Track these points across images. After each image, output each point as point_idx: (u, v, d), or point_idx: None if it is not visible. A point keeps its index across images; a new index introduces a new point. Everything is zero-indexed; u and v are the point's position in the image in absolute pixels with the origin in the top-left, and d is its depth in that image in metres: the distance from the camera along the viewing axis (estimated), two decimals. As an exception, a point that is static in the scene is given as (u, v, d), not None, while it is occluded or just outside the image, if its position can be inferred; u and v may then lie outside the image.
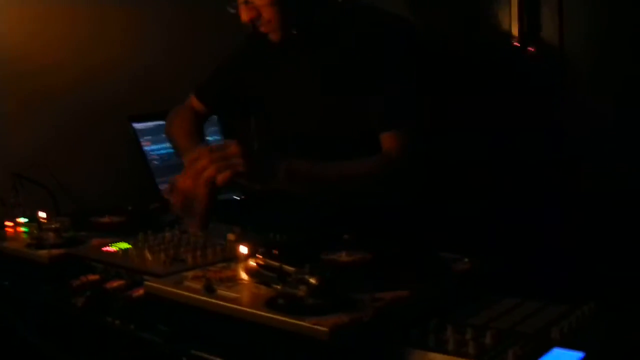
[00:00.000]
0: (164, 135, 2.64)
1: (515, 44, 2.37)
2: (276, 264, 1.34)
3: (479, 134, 2.50)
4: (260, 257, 1.41)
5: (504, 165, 2.46)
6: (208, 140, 2.63)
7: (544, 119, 2.40)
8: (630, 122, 2.20)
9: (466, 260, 1.56)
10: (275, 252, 1.46)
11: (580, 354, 1.14)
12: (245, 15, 2.01)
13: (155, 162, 2.64)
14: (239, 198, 2.57)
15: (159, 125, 2.67)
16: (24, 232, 1.94)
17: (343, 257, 1.50)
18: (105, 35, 2.83)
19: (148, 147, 2.66)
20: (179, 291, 1.35)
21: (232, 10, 2.04)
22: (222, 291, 1.32)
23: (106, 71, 2.80)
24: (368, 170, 1.93)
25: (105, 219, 2.04)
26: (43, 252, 1.73)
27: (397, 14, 2.20)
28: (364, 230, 1.70)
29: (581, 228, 2.28)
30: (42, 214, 1.96)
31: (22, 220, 2.05)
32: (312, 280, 1.21)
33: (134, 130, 2.68)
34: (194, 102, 2.35)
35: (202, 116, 2.35)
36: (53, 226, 1.83)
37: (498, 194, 2.44)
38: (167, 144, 2.63)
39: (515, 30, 2.37)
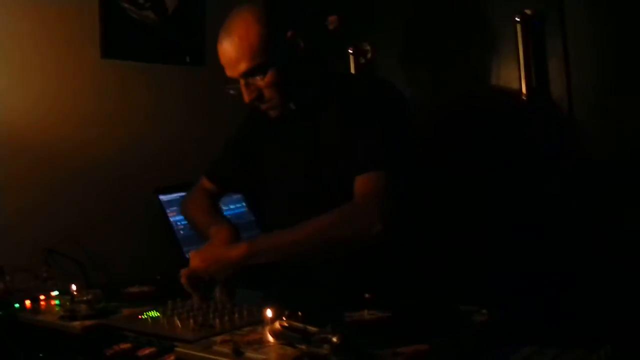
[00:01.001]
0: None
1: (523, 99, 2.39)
2: (300, 325, 1.39)
3: (486, 186, 2.53)
4: (285, 319, 1.46)
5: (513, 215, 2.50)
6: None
7: (549, 172, 2.43)
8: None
9: (484, 311, 1.60)
10: (300, 314, 1.51)
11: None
12: (247, 96, 2.05)
13: (182, 232, 2.70)
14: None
15: (184, 196, 2.74)
16: (57, 304, 2.00)
17: (364, 316, 1.54)
18: (129, 112, 2.92)
19: (174, 217, 2.72)
20: (208, 355, 1.41)
21: (232, 92, 2.09)
22: (250, 354, 1.37)
23: (131, 147, 2.89)
24: (331, 222, 1.91)
25: (135, 289, 2.10)
26: (76, 324, 1.79)
27: (383, 79, 2.25)
28: (382, 286, 1.75)
29: (592, 273, 2.30)
30: (73, 287, 2.02)
31: (54, 293, 2.12)
32: (335, 339, 1.26)
33: (160, 202, 2.74)
34: (206, 183, 2.39)
35: (216, 195, 2.39)
36: (85, 298, 1.89)
37: (510, 244, 2.46)
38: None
39: (523, 87, 2.39)
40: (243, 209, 2.89)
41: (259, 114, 2.17)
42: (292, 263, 2.00)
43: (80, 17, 2.79)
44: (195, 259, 1.93)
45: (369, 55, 2.87)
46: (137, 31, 2.96)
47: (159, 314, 1.79)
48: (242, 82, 2.04)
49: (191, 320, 1.68)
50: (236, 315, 1.70)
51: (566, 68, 2.36)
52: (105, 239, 2.75)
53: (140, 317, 1.79)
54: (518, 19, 2.39)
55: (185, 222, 2.71)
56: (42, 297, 2.06)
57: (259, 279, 1.96)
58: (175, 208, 2.74)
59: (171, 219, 2.70)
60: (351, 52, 2.90)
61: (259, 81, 2.03)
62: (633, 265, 2.21)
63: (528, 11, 2.40)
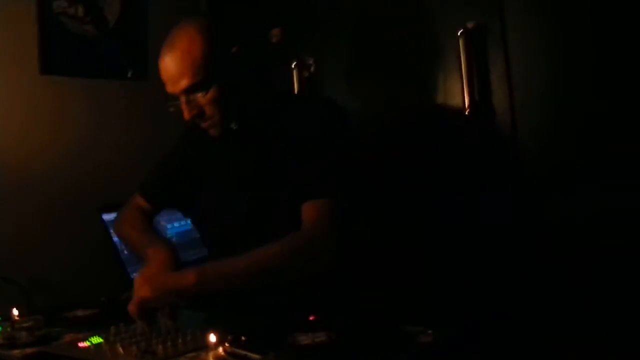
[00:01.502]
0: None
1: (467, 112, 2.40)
2: (242, 352, 1.38)
3: (431, 203, 2.54)
4: (228, 345, 1.44)
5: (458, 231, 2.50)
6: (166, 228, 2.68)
7: (493, 186, 2.44)
8: (583, 186, 2.24)
9: (429, 332, 1.60)
10: (243, 339, 1.49)
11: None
12: (187, 113, 2.02)
13: (126, 252, 2.66)
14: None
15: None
16: (-4, 332, 1.96)
17: (307, 339, 1.53)
18: (68, 128, 2.87)
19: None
20: (149, 385, 1.39)
21: (172, 109, 2.06)
22: (191, 383, 1.35)
23: (70, 165, 2.84)
24: (281, 250, 1.90)
25: (78, 313, 2.06)
26: (16, 352, 1.75)
27: (328, 99, 2.27)
28: (328, 307, 1.74)
29: (535, 290, 2.31)
30: (15, 312, 1.98)
31: (-6, 319, 2.07)
32: (276, 368, 1.25)
33: (103, 220, 2.69)
34: (139, 200, 2.35)
35: (150, 213, 2.34)
36: (25, 325, 1.85)
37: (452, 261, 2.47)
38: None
39: (466, 100, 2.40)
40: (188, 227, 2.85)
41: (196, 131, 2.15)
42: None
43: (17, 33, 2.73)
44: (144, 288, 1.85)
45: (312, 69, 2.86)
46: (77, 46, 2.90)
47: (101, 340, 1.75)
48: (182, 98, 2.01)
49: (134, 347, 1.66)
50: (180, 341, 1.67)
51: (508, 82, 2.37)
52: (46, 260, 2.69)
53: (82, 343, 1.76)
54: (460, 33, 2.40)
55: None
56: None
57: (202, 300, 1.93)
58: (119, 227, 2.70)
59: (114, 239, 2.66)
60: (294, 65, 2.89)
61: (200, 98, 2.00)
62: (575, 282, 2.23)
63: (470, 24, 2.41)
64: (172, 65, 1.99)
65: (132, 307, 1.84)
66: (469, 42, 2.40)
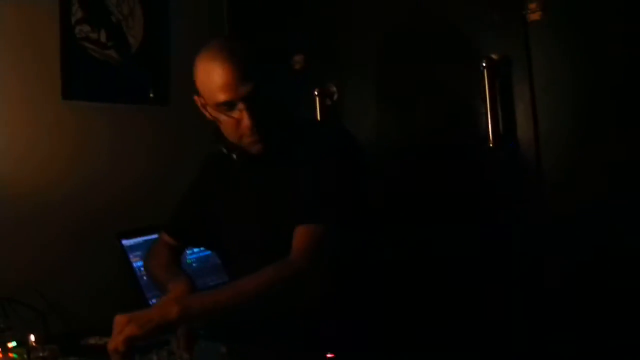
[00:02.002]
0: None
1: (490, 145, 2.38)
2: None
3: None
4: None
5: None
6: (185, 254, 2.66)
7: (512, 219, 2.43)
8: (609, 220, 2.22)
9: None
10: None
11: None
12: (249, 119, 1.97)
13: (145, 278, 2.64)
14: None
15: (148, 240, 2.69)
16: (14, 358, 1.94)
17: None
18: (89, 153, 2.86)
19: (137, 262, 2.66)
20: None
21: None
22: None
23: (91, 190, 2.83)
24: (266, 280, 1.89)
25: (95, 340, 2.04)
26: (31, 383, 1.74)
27: (342, 126, 2.28)
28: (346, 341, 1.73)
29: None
30: (32, 338, 1.97)
31: (12, 344, 2.06)
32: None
33: (123, 246, 2.68)
34: (166, 237, 2.35)
35: (177, 249, 2.34)
36: (41, 354, 1.84)
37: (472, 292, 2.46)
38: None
39: (490, 132, 2.38)
40: (207, 252, 2.84)
41: (212, 165, 2.19)
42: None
43: (39, 58, 2.73)
44: (130, 326, 1.80)
45: (335, 97, 2.85)
46: (99, 71, 2.91)
47: (118, 371, 1.74)
48: (241, 106, 1.97)
49: (151, 379, 1.64)
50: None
51: (534, 114, 2.35)
52: (65, 286, 2.67)
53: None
54: (484, 64, 2.38)
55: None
56: (-2, 350, 2.00)
57: (220, 331, 1.91)
58: (138, 253, 2.68)
59: (134, 264, 2.65)
60: (317, 93, 2.88)
61: (253, 106, 1.97)
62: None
63: (494, 56, 2.39)
64: (229, 72, 1.95)
65: (116, 346, 1.78)
66: (493, 73, 2.38)
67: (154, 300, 2.56)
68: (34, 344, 1.94)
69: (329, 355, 1.66)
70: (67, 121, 2.80)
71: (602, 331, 2.20)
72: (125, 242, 2.68)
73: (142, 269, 2.65)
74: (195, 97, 2.10)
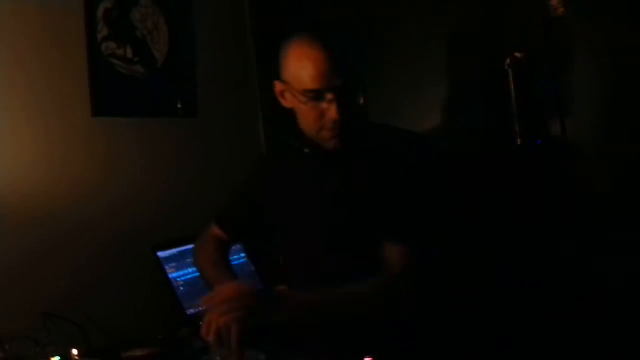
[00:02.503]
0: (188, 261, 2.71)
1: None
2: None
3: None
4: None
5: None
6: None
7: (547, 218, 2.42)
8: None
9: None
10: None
11: None
12: (337, 111, 1.95)
13: (182, 288, 2.68)
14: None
15: (182, 251, 2.73)
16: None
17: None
18: (121, 168, 2.90)
19: (173, 273, 2.70)
20: None
21: (311, 102, 2.01)
22: None
23: (124, 204, 2.87)
24: (371, 291, 1.92)
25: (136, 352, 2.08)
26: (77, 397, 1.77)
27: (414, 131, 2.28)
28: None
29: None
30: (74, 352, 2.00)
31: (55, 359, 2.10)
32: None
33: (158, 258, 2.72)
34: (216, 230, 2.37)
35: (226, 243, 2.37)
36: (85, 368, 1.88)
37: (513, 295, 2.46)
38: (192, 269, 2.68)
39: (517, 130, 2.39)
40: (243, 260, 2.87)
41: (269, 162, 2.25)
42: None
43: (68, 77, 2.77)
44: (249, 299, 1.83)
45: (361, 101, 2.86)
46: (127, 86, 2.95)
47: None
48: (330, 96, 1.95)
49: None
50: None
51: (559, 111, 2.36)
52: (103, 299, 2.71)
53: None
54: (508, 62, 2.39)
55: (185, 277, 2.70)
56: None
57: (260, 340, 1.93)
58: (174, 264, 2.72)
59: (170, 276, 2.68)
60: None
61: (342, 100, 1.96)
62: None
63: (518, 54, 2.40)
64: (326, 60, 1.93)
65: (237, 326, 1.77)
66: (518, 71, 2.39)
67: (191, 310, 2.59)
68: (76, 358, 1.97)
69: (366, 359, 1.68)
70: (97, 138, 2.84)
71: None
72: (161, 254, 2.72)
73: (178, 279, 2.69)
74: (276, 82, 2.07)
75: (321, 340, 2.03)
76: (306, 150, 2.12)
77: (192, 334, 2.20)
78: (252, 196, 2.32)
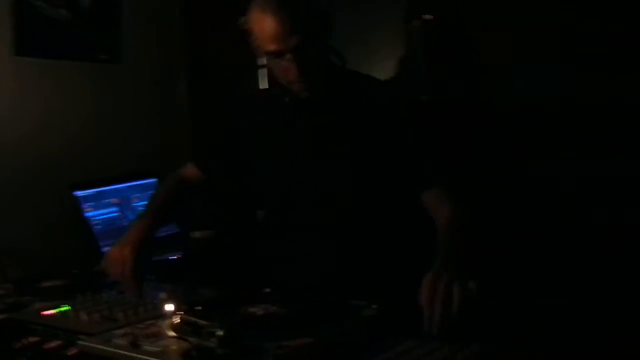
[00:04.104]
0: (106, 201, 2.80)
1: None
2: (192, 319, 1.49)
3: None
4: (181, 313, 1.56)
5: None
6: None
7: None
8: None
9: (374, 306, 1.71)
10: (198, 308, 1.61)
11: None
12: (293, 73, 1.98)
13: (98, 227, 2.77)
14: (175, 257, 2.72)
15: (101, 191, 2.83)
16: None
17: (257, 310, 1.66)
18: (38, 109, 2.96)
19: (91, 212, 2.79)
20: (107, 348, 1.51)
21: (266, 67, 2.09)
22: (146, 346, 1.47)
23: (35, 140, 2.92)
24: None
25: (49, 283, 2.15)
26: (-16, 319, 1.85)
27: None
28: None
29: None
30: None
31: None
32: (220, 332, 1.37)
33: (76, 197, 2.80)
34: (190, 170, 2.32)
35: (193, 186, 2.32)
36: (-4, 294, 1.96)
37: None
38: (110, 209, 2.77)
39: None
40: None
41: (247, 105, 2.21)
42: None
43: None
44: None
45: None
46: (51, 29, 2.97)
47: (69, 308, 1.86)
48: (288, 56, 1.97)
49: (97, 314, 1.77)
50: (141, 309, 1.80)
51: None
52: (18, 233, 2.78)
53: (49, 311, 1.86)
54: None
55: (102, 217, 2.79)
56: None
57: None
58: (92, 203, 2.81)
59: (87, 214, 2.77)
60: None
61: (302, 57, 1.97)
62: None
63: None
64: (278, 23, 1.94)
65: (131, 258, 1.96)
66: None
67: (106, 249, 2.66)
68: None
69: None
70: (16, 76, 2.88)
71: None
72: (79, 193, 2.80)
73: (94, 218, 2.77)
74: (250, 40, 2.07)
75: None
76: (287, 99, 2.14)
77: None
78: (234, 138, 2.28)
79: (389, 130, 2.08)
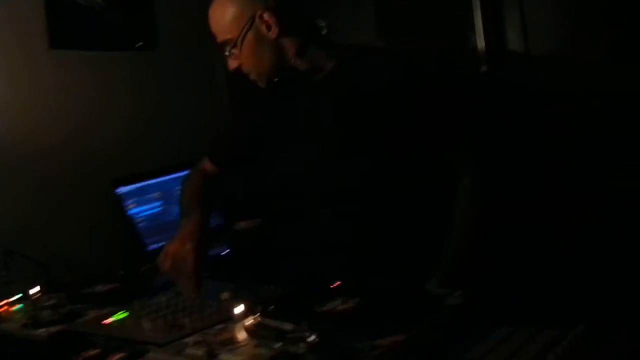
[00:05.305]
0: (148, 197, 2.68)
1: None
2: (274, 323, 1.37)
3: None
4: (259, 316, 1.44)
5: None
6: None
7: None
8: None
9: (457, 294, 1.59)
10: (271, 308, 1.49)
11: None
12: (229, 65, 2.04)
13: (142, 224, 2.66)
14: (224, 252, 2.59)
15: (143, 186, 2.70)
16: (18, 310, 1.94)
17: (338, 306, 1.51)
18: (74, 102, 2.84)
19: (133, 209, 2.67)
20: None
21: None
22: (224, 356, 1.34)
23: (81, 138, 2.81)
24: None
25: (100, 288, 2.05)
26: (41, 331, 1.73)
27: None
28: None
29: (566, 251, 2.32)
30: (37, 289, 1.97)
31: (14, 298, 2.05)
32: (312, 338, 1.24)
33: (118, 194, 2.68)
34: (207, 165, 2.30)
35: (212, 178, 2.29)
36: (48, 303, 1.84)
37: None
38: (153, 204, 2.65)
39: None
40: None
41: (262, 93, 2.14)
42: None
43: (26, 9, 2.69)
44: None
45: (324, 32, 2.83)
46: (85, 18, 2.87)
47: (127, 314, 1.75)
48: (225, 51, 2.03)
49: (160, 321, 1.64)
50: (206, 312, 1.67)
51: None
52: (64, 236, 2.67)
53: (107, 320, 1.74)
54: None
55: (145, 213, 2.68)
56: (2, 303, 1.99)
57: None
58: (134, 199, 2.69)
59: (130, 212, 2.65)
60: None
61: (236, 53, 2.01)
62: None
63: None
64: (212, 20, 2.04)
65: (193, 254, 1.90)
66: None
67: (153, 246, 2.57)
68: (39, 295, 1.94)
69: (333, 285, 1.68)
70: (54, 70, 2.77)
71: None
72: (121, 190, 2.68)
73: (138, 215, 2.66)
74: None
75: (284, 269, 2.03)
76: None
77: (154, 269, 2.18)
78: (247, 129, 2.25)
79: (405, 111, 1.98)
